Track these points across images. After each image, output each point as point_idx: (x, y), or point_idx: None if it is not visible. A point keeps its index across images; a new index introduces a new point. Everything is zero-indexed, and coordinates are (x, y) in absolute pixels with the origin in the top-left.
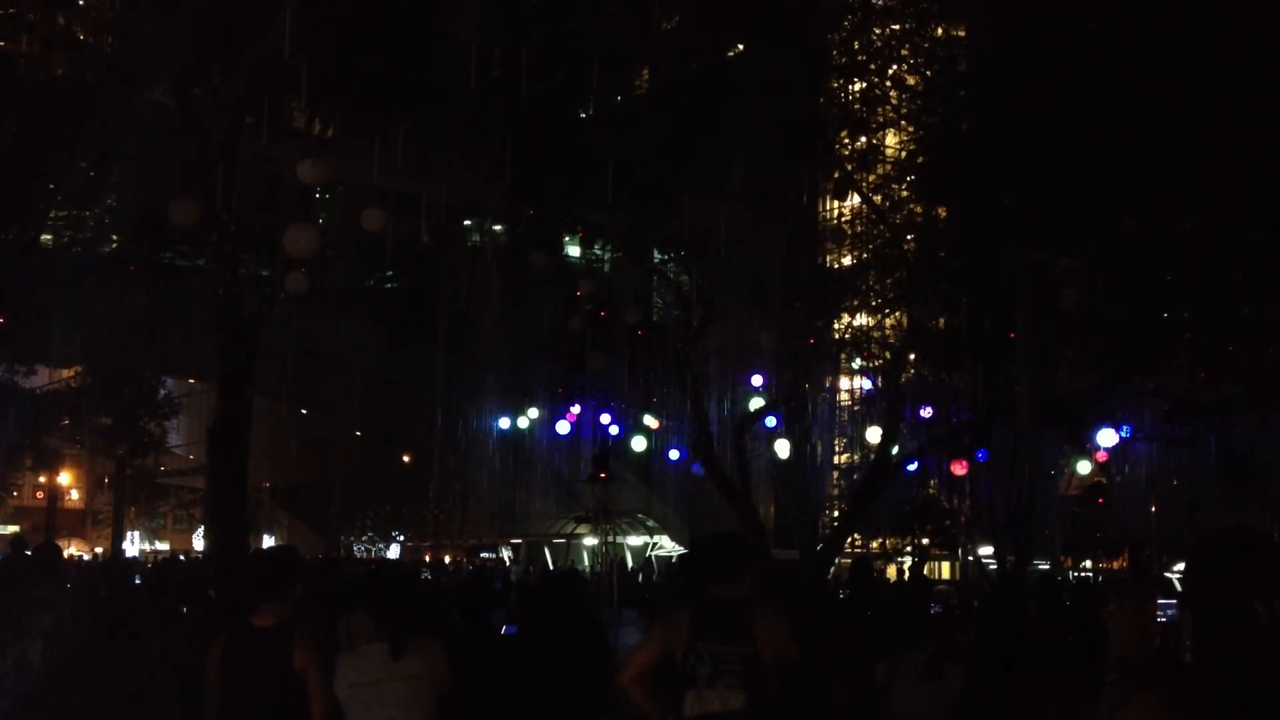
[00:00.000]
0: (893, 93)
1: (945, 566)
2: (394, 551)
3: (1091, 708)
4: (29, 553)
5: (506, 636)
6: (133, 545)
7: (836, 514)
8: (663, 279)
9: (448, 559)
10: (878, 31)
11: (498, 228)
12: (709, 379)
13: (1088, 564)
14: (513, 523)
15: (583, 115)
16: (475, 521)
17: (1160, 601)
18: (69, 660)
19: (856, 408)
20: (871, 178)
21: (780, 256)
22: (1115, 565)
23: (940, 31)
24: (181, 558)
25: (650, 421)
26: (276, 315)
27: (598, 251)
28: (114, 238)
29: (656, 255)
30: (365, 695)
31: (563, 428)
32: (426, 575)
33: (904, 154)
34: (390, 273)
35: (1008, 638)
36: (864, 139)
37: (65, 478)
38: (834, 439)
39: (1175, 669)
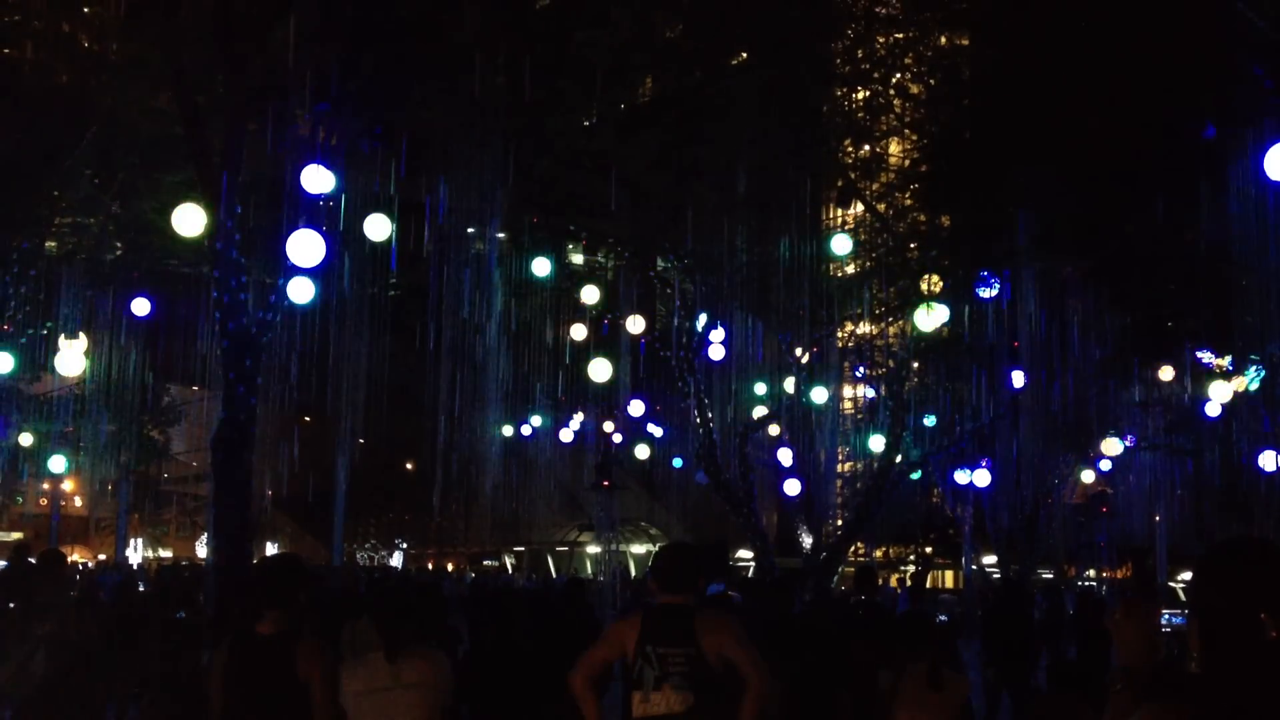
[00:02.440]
0: (896, 101)
1: (949, 575)
2: (397, 559)
3: (1096, 718)
4: (32, 560)
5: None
6: (136, 552)
7: (840, 522)
8: (666, 286)
9: (450, 566)
10: (881, 40)
11: (501, 235)
12: (712, 387)
13: (1091, 573)
14: (515, 531)
15: (586, 123)
16: (478, 529)
17: (1164, 611)
18: (71, 666)
19: (860, 416)
20: (875, 186)
21: (783, 263)
22: (1119, 574)
23: (944, 40)
24: (184, 563)
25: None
26: (280, 322)
27: (601, 259)
28: (118, 245)
29: (660, 263)
30: (369, 703)
31: (565, 436)
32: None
33: (907, 162)
34: (394, 280)
35: (1011, 647)
36: (867, 147)
37: (68, 485)
38: (837, 447)
39: (1181, 680)
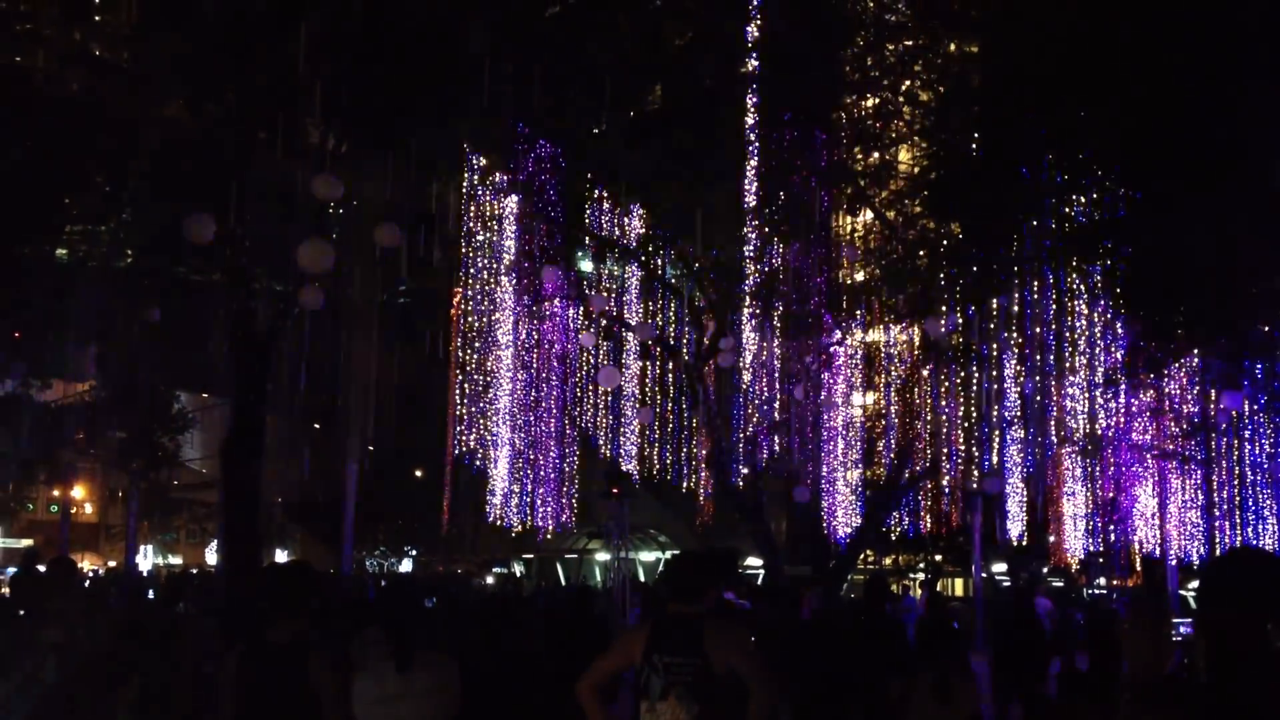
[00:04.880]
0: (906, 108)
1: (959, 583)
2: (406, 566)
3: None
4: (41, 567)
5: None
6: (146, 559)
7: (849, 530)
8: (675, 294)
9: (460, 572)
10: (891, 47)
11: (510, 242)
12: (722, 394)
13: (1101, 581)
14: (525, 538)
15: (595, 131)
16: (487, 536)
17: (1175, 620)
18: (81, 674)
19: (869, 423)
20: (884, 193)
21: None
22: (1130, 583)
23: (953, 47)
24: (194, 571)
25: None
26: (290, 329)
27: (610, 266)
28: (128, 252)
29: (669, 271)
30: (379, 711)
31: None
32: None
33: (917, 169)
34: (404, 287)
35: (1022, 656)
36: (877, 154)
37: (79, 491)
38: (846, 454)
39: (1189, 689)
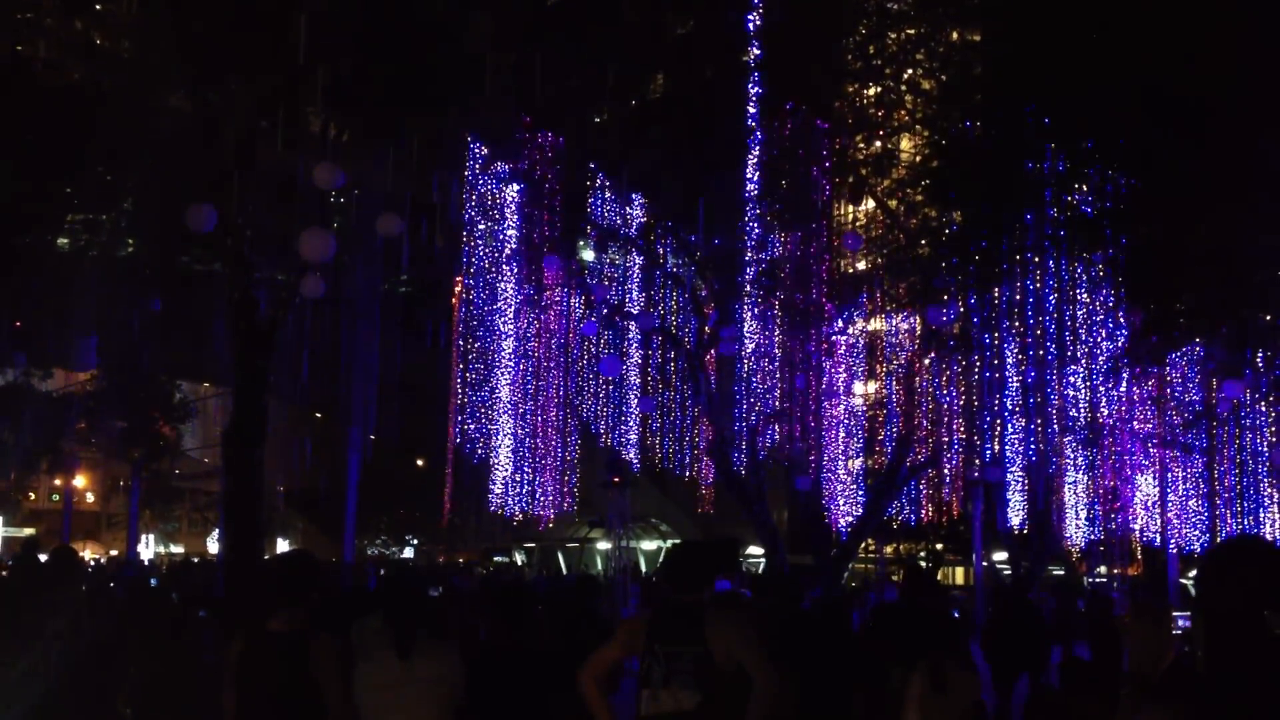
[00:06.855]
0: (908, 97)
1: (959, 572)
2: (408, 555)
3: (1107, 716)
4: (43, 556)
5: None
6: (147, 549)
7: (851, 519)
8: (676, 283)
9: (461, 561)
10: (893, 36)
11: (512, 231)
12: (723, 383)
13: (1102, 570)
14: (526, 526)
15: (597, 120)
16: (489, 525)
17: (1175, 613)
18: (84, 663)
19: (871, 412)
20: (886, 182)
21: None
22: (1130, 571)
23: (955, 36)
24: (195, 560)
25: None
26: (292, 319)
27: (611, 255)
28: (130, 241)
29: (670, 259)
30: (380, 699)
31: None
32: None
33: (919, 158)
34: (405, 276)
35: (1020, 647)
36: (879, 143)
37: (81, 481)
38: (848, 443)
39: (1189, 682)
